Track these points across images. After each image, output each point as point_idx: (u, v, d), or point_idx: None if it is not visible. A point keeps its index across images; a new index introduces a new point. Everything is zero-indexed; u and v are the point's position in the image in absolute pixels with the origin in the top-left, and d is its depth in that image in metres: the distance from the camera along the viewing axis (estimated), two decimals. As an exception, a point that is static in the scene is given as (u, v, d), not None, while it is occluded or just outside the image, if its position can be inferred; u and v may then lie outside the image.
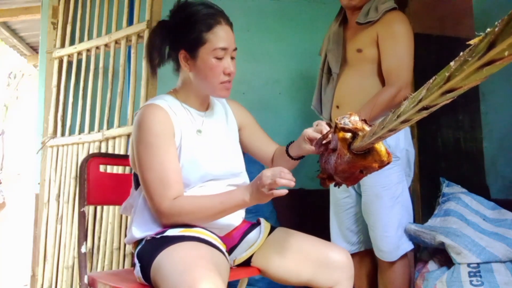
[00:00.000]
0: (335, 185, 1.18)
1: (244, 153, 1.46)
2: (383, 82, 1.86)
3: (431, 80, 0.52)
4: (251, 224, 1.42)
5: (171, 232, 1.20)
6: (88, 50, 2.58)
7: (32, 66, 6.03)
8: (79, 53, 2.63)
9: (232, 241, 1.37)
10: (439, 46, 2.45)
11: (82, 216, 1.51)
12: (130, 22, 2.36)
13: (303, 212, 2.82)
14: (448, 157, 2.43)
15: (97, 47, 2.52)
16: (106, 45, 2.47)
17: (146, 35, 2.18)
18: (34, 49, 4.81)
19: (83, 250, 1.48)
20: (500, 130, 2.65)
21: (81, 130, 2.53)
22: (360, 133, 0.89)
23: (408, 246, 1.87)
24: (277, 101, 2.97)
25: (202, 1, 1.29)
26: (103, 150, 2.34)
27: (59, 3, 2.74)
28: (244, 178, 1.38)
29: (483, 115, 2.56)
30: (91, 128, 2.47)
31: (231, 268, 1.31)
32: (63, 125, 2.63)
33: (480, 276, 1.65)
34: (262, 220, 1.43)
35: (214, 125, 1.37)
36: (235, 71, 1.29)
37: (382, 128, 0.68)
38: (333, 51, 2.00)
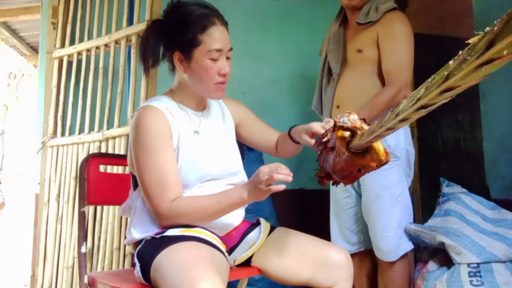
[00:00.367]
0: (333, 184, 1.18)
1: (243, 153, 1.46)
2: (383, 82, 1.86)
3: (429, 79, 0.52)
4: (251, 224, 1.42)
5: (171, 232, 1.20)
6: (88, 50, 2.58)
7: (32, 66, 6.04)
8: (79, 53, 2.63)
9: (232, 241, 1.37)
10: (439, 46, 2.45)
11: (82, 216, 1.51)
12: (130, 22, 2.36)
13: (303, 212, 2.82)
14: (448, 157, 2.43)
15: (97, 47, 2.52)
16: (106, 45, 2.47)
17: (146, 35, 2.18)
18: (34, 49, 4.81)
19: (83, 250, 1.48)
20: (500, 130, 2.64)
21: (81, 130, 2.53)
22: (359, 132, 0.89)
23: (408, 246, 1.87)
24: (277, 101, 2.97)
25: (197, 1, 1.28)
26: (103, 150, 2.34)
27: (59, 3, 2.74)
28: (242, 177, 1.38)
29: (483, 115, 2.56)
30: (91, 128, 2.47)
31: (231, 268, 1.31)
32: (63, 125, 2.63)
33: (480, 276, 1.65)
34: (262, 220, 1.43)
35: (211, 125, 1.37)
36: (231, 72, 1.29)
37: (381, 126, 0.68)
38: (333, 51, 2.00)
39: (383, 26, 1.85)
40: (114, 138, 2.30)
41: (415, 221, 2.07)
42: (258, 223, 1.42)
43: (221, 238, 1.29)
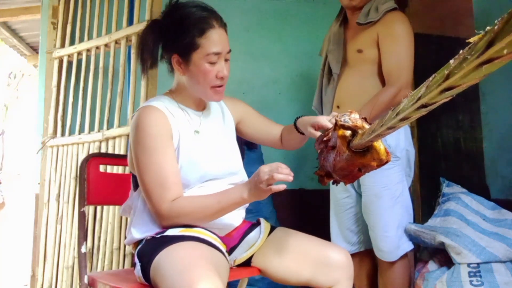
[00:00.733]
0: (333, 183, 1.18)
1: (243, 153, 1.46)
2: (383, 82, 1.86)
3: (430, 78, 0.52)
4: (251, 224, 1.42)
5: (171, 232, 1.20)
6: (88, 50, 2.58)
7: (32, 66, 6.04)
8: (79, 53, 2.63)
9: (232, 241, 1.37)
10: (439, 46, 2.45)
11: (82, 216, 1.51)
12: (130, 22, 2.36)
13: (303, 212, 2.82)
14: (448, 157, 2.43)
15: (97, 47, 2.52)
16: (106, 45, 2.47)
17: (146, 35, 2.18)
18: (34, 49, 4.81)
19: (83, 250, 1.48)
20: (500, 130, 2.64)
21: (81, 130, 2.53)
22: (360, 131, 0.89)
23: (408, 246, 1.87)
24: (277, 101, 2.97)
25: (195, 2, 1.27)
26: (103, 150, 2.34)
27: (59, 3, 2.74)
28: (243, 176, 1.38)
29: (483, 115, 2.55)
30: (91, 128, 2.47)
31: (231, 268, 1.31)
32: (63, 125, 2.63)
33: (480, 276, 1.65)
34: (262, 220, 1.43)
35: (211, 125, 1.37)
36: (229, 74, 1.28)
37: (381, 125, 0.68)
38: (333, 52, 2.00)
39: (383, 26, 1.85)
40: (114, 138, 2.30)
41: (415, 221, 2.07)
42: (258, 223, 1.42)
43: (221, 238, 1.29)
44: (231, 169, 1.34)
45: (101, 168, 1.73)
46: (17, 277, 3.79)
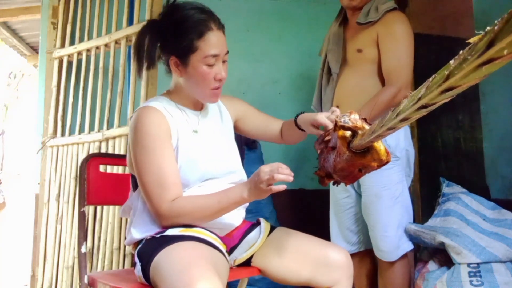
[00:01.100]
0: (333, 184, 1.18)
1: (243, 154, 1.46)
2: (383, 82, 1.86)
3: (430, 79, 0.52)
4: (251, 224, 1.42)
5: (170, 232, 1.20)
6: (88, 50, 2.58)
7: (32, 66, 6.04)
8: (79, 53, 2.63)
9: (232, 241, 1.37)
10: (439, 46, 2.45)
11: (82, 216, 1.51)
12: (130, 22, 2.37)
13: (303, 212, 2.82)
14: (448, 157, 2.43)
15: (97, 47, 2.52)
16: (106, 45, 2.48)
17: (146, 35, 2.18)
18: (34, 49, 4.81)
19: (83, 250, 1.48)
20: (500, 130, 2.64)
21: (81, 130, 2.53)
22: (360, 132, 0.89)
23: (408, 246, 1.87)
24: (277, 101, 2.97)
25: (193, 4, 1.27)
26: (103, 150, 2.34)
27: (59, 3, 2.74)
28: (242, 176, 1.38)
29: (483, 115, 2.56)
30: (91, 128, 2.47)
31: (231, 268, 1.31)
32: (63, 125, 2.63)
33: (480, 276, 1.65)
34: (262, 220, 1.43)
35: (209, 124, 1.37)
36: (227, 75, 1.29)
37: (382, 126, 0.68)
38: (333, 51, 2.00)
39: (383, 26, 1.85)
40: (114, 138, 2.30)
41: (415, 221, 2.07)
42: (258, 223, 1.42)
43: (221, 238, 1.29)
44: (230, 168, 1.34)
45: (101, 168, 1.73)
46: (17, 277, 3.79)
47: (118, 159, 1.79)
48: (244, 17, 2.95)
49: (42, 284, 2.49)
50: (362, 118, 0.93)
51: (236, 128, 1.49)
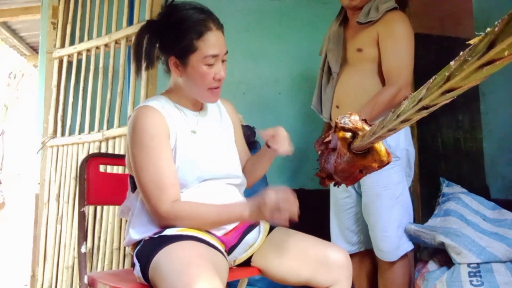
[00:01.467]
0: (334, 185, 1.18)
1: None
2: (383, 81, 1.86)
3: (431, 80, 0.52)
4: (250, 224, 1.41)
5: (169, 232, 1.20)
6: (88, 50, 2.58)
7: (32, 66, 6.04)
8: (79, 53, 2.63)
9: (231, 241, 1.36)
10: (439, 46, 2.45)
11: (82, 216, 1.51)
12: (130, 22, 2.37)
13: (303, 212, 2.81)
14: (448, 157, 2.43)
15: (97, 47, 2.52)
16: (106, 45, 2.48)
17: (146, 35, 2.18)
18: (34, 49, 4.81)
19: (83, 250, 1.47)
20: (500, 130, 2.65)
21: (81, 130, 2.53)
22: (360, 133, 0.89)
23: (408, 246, 1.87)
24: (277, 101, 2.97)
25: (192, 4, 1.27)
26: (103, 150, 2.34)
27: (59, 3, 2.74)
28: (241, 178, 1.38)
29: (483, 115, 2.55)
30: (91, 128, 2.47)
31: (231, 268, 1.31)
32: (63, 125, 2.63)
33: (480, 276, 1.65)
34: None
35: (208, 125, 1.37)
36: (226, 75, 1.29)
37: (382, 127, 0.68)
38: (333, 51, 2.00)
39: (383, 26, 1.85)
40: (114, 138, 2.30)
41: (415, 221, 2.07)
42: (258, 223, 1.42)
43: (219, 237, 1.29)
44: (229, 169, 1.34)
45: (101, 168, 1.73)
46: (17, 277, 3.79)
47: (118, 159, 1.79)
48: (244, 17, 2.95)
49: (42, 284, 2.49)
50: (362, 119, 0.93)
51: None
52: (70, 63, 2.69)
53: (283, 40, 3.02)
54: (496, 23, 0.42)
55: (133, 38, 2.27)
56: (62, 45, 2.71)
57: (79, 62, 2.64)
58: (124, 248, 2.14)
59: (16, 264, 4.24)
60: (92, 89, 2.51)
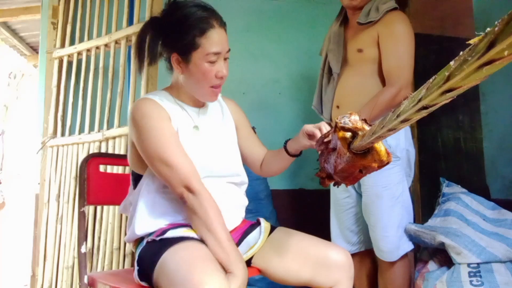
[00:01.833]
0: (334, 185, 1.18)
1: None
2: (383, 82, 1.86)
3: (430, 80, 0.52)
4: (251, 224, 1.41)
5: (172, 233, 1.20)
6: (88, 50, 2.58)
7: (32, 66, 6.04)
8: (79, 53, 2.63)
9: (232, 241, 1.37)
10: (439, 46, 2.45)
11: (82, 216, 1.51)
12: (130, 22, 2.37)
13: (303, 212, 2.82)
14: (448, 157, 2.42)
15: (97, 47, 2.52)
16: (106, 45, 2.48)
17: (146, 35, 2.18)
18: (34, 49, 4.81)
19: (83, 250, 1.48)
20: (500, 130, 2.65)
21: (81, 130, 2.53)
22: (360, 133, 0.89)
23: (408, 246, 1.87)
24: (277, 101, 2.97)
25: (195, 1, 1.27)
26: (103, 150, 2.34)
27: (59, 3, 2.74)
28: (242, 177, 1.37)
29: (483, 115, 2.55)
30: (91, 128, 2.47)
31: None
32: (63, 125, 2.63)
33: (480, 276, 1.65)
34: (262, 220, 1.43)
35: (210, 122, 1.37)
36: (228, 73, 1.29)
37: (382, 127, 0.68)
38: (333, 51, 2.00)
39: (383, 26, 1.85)
40: (114, 138, 2.30)
41: (415, 221, 2.07)
42: (258, 223, 1.42)
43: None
44: (231, 167, 1.34)
45: (101, 168, 1.73)
46: (17, 277, 3.79)
47: (118, 159, 1.79)
48: (244, 17, 2.95)
49: (42, 284, 2.49)
50: (362, 119, 0.93)
51: None
52: (70, 63, 2.69)
53: (283, 40, 3.02)
54: (496, 23, 0.42)
55: (133, 38, 2.28)
56: (62, 45, 2.71)
57: (79, 62, 2.64)
58: (124, 248, 2.14)
59: (16, 264, 4.24)
60: (92, 89, 2.51)
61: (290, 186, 2.85)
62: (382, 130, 0.69)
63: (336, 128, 0.95)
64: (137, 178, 1.32)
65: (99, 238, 2.26)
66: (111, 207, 2.22)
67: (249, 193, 1.44)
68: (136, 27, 2.26)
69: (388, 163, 0.90)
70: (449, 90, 0.50)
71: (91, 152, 2.36)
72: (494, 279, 1.64)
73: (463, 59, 0.47)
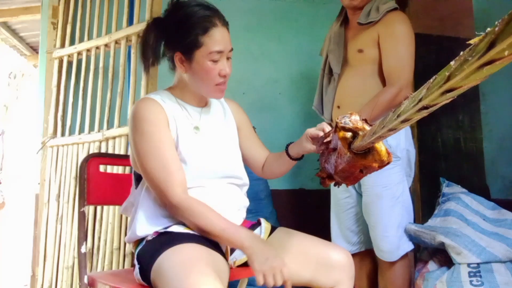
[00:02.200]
0: (335, 185, 1.18)
1: None
2: (384, 82, 1.86)
3: (431, 80, 0.52)
4: (252, 224, 1.41)
5: (174, 229, 1.20)
6: (88, 50, 2.58)
7: (32, 66, 6.04)
8: (79, 53, 2.63)
9: (232, 242, 1.36)
10: (439, 46, 2.45)
11: (82, 216, 1.51)
12: (130, 22, 2.37)
13: (303, 212, 2.82)
14: (448, 157, 2.43)
15: (97, 47, 2.52)
16: (106, 45, 2.48)
17: (146, 35, 2.18)
18: (34, 49, 4.81)
19: (83, 250, 1.48)
20: (500, 130, 2.65)
21: (81, 130, 2.53)
22: (361, 133, 0.89)
23: (408, 246, 1.87)
24: (277, 101, 2.97)
25: (198, 1, 1.28)
26: (103, 150, 2.34)
27: (59, 3, 2.74)
28: (244, 178, 1.37)
29: (483, 115, 2.56)
30: (91, 128, 2.47)
31: (231, 268, 1.31)
32: (63, 125, 2.63)
33: (480, 276, 1.65)
34: (262, 220, 1.42)
35: (211, 122, 1.37)
36: (231, 72, 1.29)
37: (382, 127, 0.68)
38: (334, 51, 2.00)
39: (384, 26, 1.85)
40: (114, 138, 2.30)
41: (415, 221, 2.07)
42: (258, 223, 1.42)
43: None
44: (232, 169, 1.34)
45: (101, 168, 1.73)
46: (17, 277, 3.78)
47: (118, 159, 1.79)
48: (244, 17, 2.95)
49: (42, 284, 2.49)
50: (363, 119, 0.93)
51: None
52: (70, 63, 2.69)
53: (283, 40, 3.02)
54: (496, 23, 0.42)
55: (133, 38, 2.28)
56: (62, 45, 2.71)
57: (79, 62, 2.64)
58: (124, 248, 2.14)
59: (16, 264, 4.24)
60: (92, 89, 2.51)
61: (290, 186, 2.85)
62: (382, 130, 0.69)
63: (336, 128, 0.95)
64: (139, 178, 1.32)
65: (99, 238, 2.26)
66: (111, 207, 2.22)
67: (249, 193, 1.44)
68: (136, 27, 2.26)
69: (388, 163, 0.90)
70: (450, 90, 0.50)
71: (91, 152, 2.36)
72: (494, 279, 1.64)
73: (463, 59, 0.47)
